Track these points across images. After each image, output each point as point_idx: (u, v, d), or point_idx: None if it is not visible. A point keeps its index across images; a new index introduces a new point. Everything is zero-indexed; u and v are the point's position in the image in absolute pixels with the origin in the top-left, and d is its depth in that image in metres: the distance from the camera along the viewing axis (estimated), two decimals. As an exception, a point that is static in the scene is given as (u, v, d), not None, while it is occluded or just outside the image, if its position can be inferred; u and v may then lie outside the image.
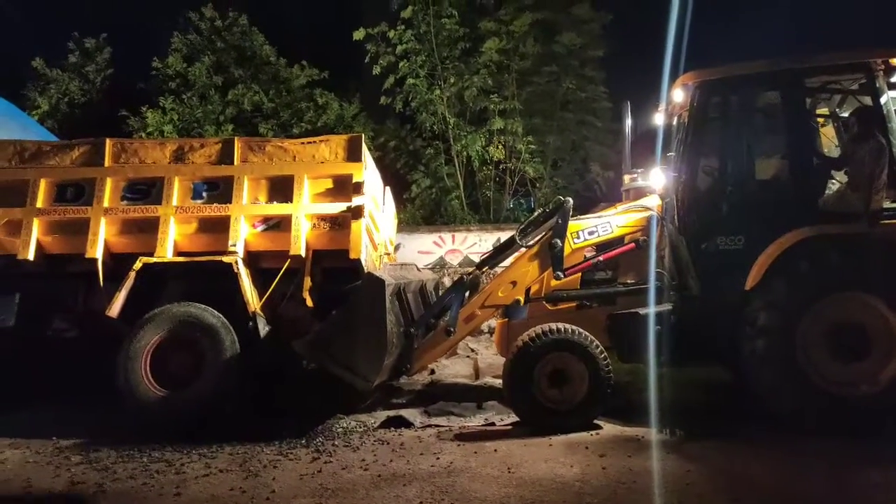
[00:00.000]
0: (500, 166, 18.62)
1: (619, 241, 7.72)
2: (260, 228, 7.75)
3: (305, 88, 19.64)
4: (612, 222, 7.76)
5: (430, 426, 7.26)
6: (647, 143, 9.15)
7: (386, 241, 9.47)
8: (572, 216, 7.70)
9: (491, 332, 11.07)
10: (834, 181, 7.27)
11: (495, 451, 6.24)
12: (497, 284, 7.67)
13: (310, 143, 8.03)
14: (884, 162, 6.67)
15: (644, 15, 15.18)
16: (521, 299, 7.59)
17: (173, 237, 7.65)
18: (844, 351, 6.55)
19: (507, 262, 8.18)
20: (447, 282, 11.74)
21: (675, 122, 8.24)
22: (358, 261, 7.55)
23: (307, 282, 7.62)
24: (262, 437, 6.75)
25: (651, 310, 7.20)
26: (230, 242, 7.56)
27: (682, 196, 7.29)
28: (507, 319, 7.95)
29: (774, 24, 17.85)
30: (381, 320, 6.60)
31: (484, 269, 8.27)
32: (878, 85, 6.82)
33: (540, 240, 7.68)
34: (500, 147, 18.18)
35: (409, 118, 18.87)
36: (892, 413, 6.25)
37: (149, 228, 7.67)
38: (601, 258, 7.73)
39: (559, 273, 7.54)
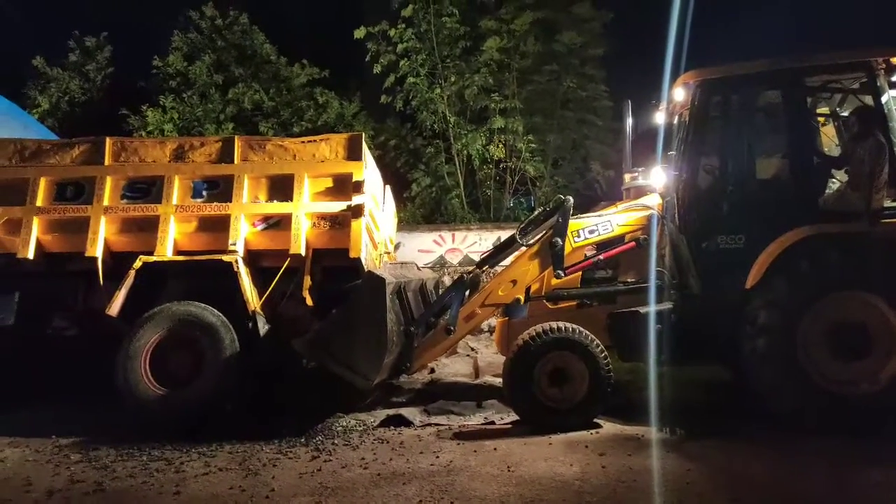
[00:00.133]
0: (501, 165, 18.64)
1: (619, 239, 7.72)
2: (260, 227, 7.74)
3: (306, 87, 19.65)
4: (612, 221, 7.75)
5: (429, 425, 7.25)
6: (647, 142, 9.15)
7: (386, 240, 9.46)
8: (573, 215, 7.69)
9: (491, 330, 11.08)
10: (834, 180, 7.27)
11: (495, 449, 6.23)
12: (497, 283, 7.67)
13: (310, 141, 8.02)
14: (884, 161, 6.66)
15: (645, 14, 15.20)
16: (522, 298, 7.59)
17: (173, 236, 7.65)
18: (845, 350, 6.54)
19: (507, 261, 8.16)
20: (447, 280, 11.73)
21: (675, 120, 8.24)
22: (358, 259, 7.55)
23: (307, 281, 7.62)
24: (261, 436, 6.75)
25: (651, 308, 7.20)
26: (230, 241, 7.55)
27: (683, 195, 7.29)
28: (507, 318, 7.95)
29: (775, 23, 17.85)
30: (382, 319, 6.59)
31: (484, 268, 8.26)
32: (878, 84, 6.81)
33: (540, 238, 7.68)
34: (500, 146, 18.20)
35: (409, 117, 18.88)
36: (893, 412, 6.25)
37: (149, 227, 7.66)
38: (602, 257, 7.73)
39: (559, 272, 7.53)
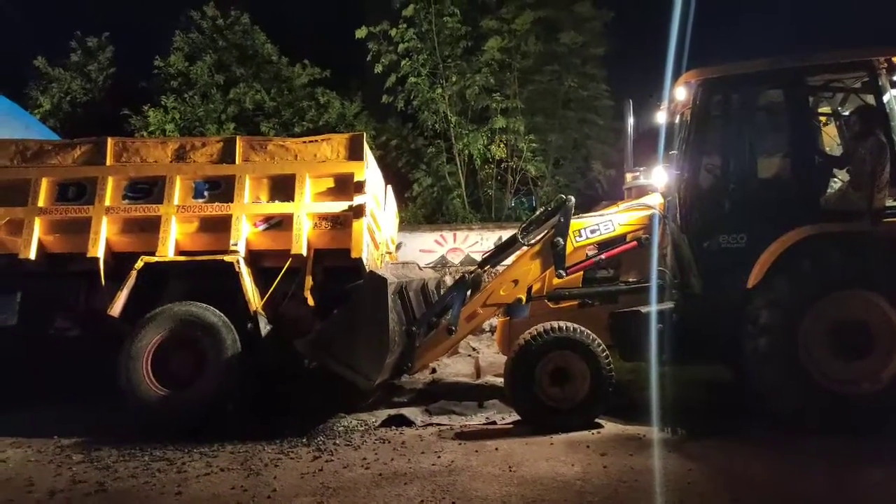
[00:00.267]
0: (502, 165, 18.65)
1: (621, 239, 7.71)
2: (261, 227, 7.74)
3: (307, 87, 19.66)
4: (614, 220, 7.74)
5: (431, 425, 7.25)
6: (649, 142, 9.13)
7: (387, 240, 9.46)
8: (574, 214, 7.68)
9: (492, 330, 11.09)
10: (836, 179, 7.26)
11: (496, 449, 6.23)
12: (499, 283, 7.66)
13: (311, 141, 8.02)
14: (885, 160, 6.65)
15: (646, 13, 15.18)
16: (524, 298, 7.59)
17: (175, 236, 7.65)
18: (846, 349, 6.53)
19: (508, 261, 8.16)
20: (448, 280, 11.74)
21: (677, 120, 8.22)
22: (359, 260, 7.55)
23: (308, 281, 7.62)
24: (263, 436, 6.75)
25: (653, 308, 7.20)
26: (231, 241, 7.56)
27: (685, 194, 7.28)
28: (508, 318, 7.95)
29: (777, 22, 17.85)
30: (384, 319, 6.59)
31: (486, 268, 8.26)
32: (880, 83, 6.80)
33: (542, 238, 7.67)
34: (501, 146, 18.21)
35: (410, 117, 18.91)
36: (894, 411, 6.24)
37: (150, 227, 7.66)
38: (603, 256, 7.72)
39: (561, 271, 7.53)
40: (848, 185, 7.05)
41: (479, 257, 14.62)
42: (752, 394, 6.86)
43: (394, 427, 7.21)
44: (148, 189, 7.85)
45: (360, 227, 7.57)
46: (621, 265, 8.04)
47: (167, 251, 7.57)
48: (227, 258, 7.46)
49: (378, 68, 18.04)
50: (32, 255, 7.60)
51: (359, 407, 7.84)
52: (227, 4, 19.83)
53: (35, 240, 7.62)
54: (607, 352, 6.92)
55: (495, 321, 9.18)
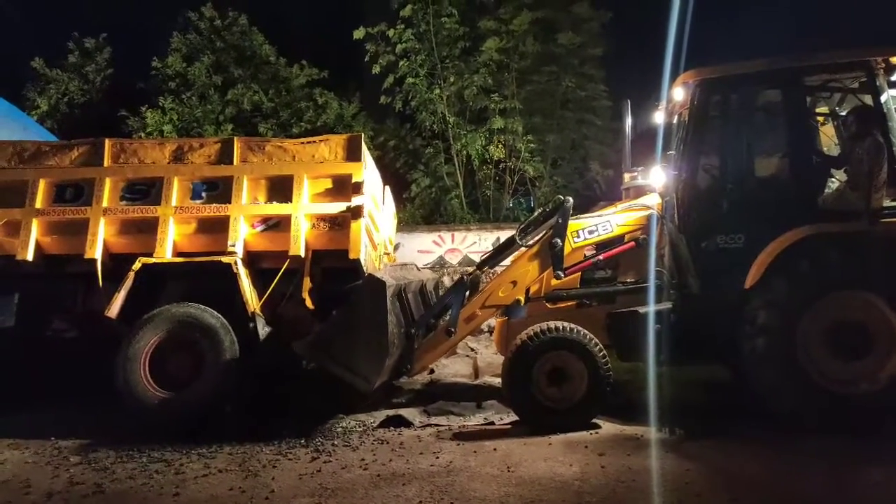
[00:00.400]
0: (500, 165, 18.67)
1: (619, 239, 7.70)
2: (259, 228, 7.73)
3: (305, 88, 19.67)
4: (612, 221, 7.74)
5: (429, 425, 7.25)
6: (647, 142, 9.13)
7: (385, 241, 9.46)
8: (572, 215, 7.68)
9: (490, 331, 11.07)
10: (834, 179, 7.26)
11: (494, 450, 6.23)
12: (497, 284, 7.66)
13: (309, 142, 8.01)
14: (883, 160, 6.65)
15: (644, 13, 15.19)
16: (522, 299, 7.58)
17: (172, 237, 7.64)
18: (845, 349, 6.53)
19: (507, 262, 8.16)
20: (447, 281, 11.74)
21: (675, 120, 8.23)
22: (357, 261, 7.54)
23: (307, 282, 7.61)
24: (261, 437, 6.75)
25: (651, 308, 7.19)
26: (229, 243, 7.55)
27: (682, 194, 7.28)
28: (506, 318, 7.94)
29: (775, 22, 17.85)
30: (383, 322, 6.59)
31: (484, 269, 8.26)
32: (878, 83, 6.81)
33: (540, 239, 7.67)
34: (499, 146, 18.21)
35: (408, 117, 18.91)
36: (893, 411, 6.24)
37: (148, 229, 7.65)
38: (601, 257, 7.71)
39: (559, 272, 7.52)
40: (846, 185, 7.05)
41: (477, 258, 14.60)
42: (750, 394, 6.86)
43: (392, 428, 7.21)
44: (146, 190, 7.84)
45: (358, 228, 7.56)
46: (619, 266, 8.02)
47: (165, 252, 7.56)
48: (224, 259, 7.45)
49: (376, 69, 18.05)
50: (30, 257, 7.59)
51: (357, 408, 7.84)
52: (224, 5, 19.82)
53: (32, 241, 7.61)
54: (604, 352, 6.92)
55: (493, 321, 9.17)
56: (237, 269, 7.40)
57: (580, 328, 6.97)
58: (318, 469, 5.83)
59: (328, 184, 7.83)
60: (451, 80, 17.95)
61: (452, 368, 10.24)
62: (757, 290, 6.71)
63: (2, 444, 6.75)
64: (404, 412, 7.56)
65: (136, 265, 7.42)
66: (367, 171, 7.96)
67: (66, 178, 7.88)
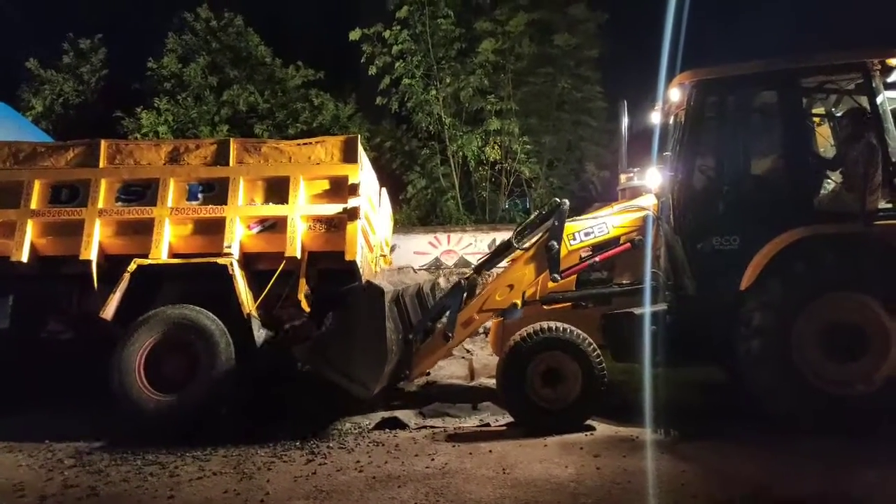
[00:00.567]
0: (496, 167, 18.68)
1: (615, 241, 7.70)
2: (255, 230, 7.71)
3: (301, 89, 19.67)
4: (608, 223, 7.74)
5: (424, 427, 7.25)
6: (643, 143, 9.13)
7: (382, 243, 9.44)
8: (568, 217, 7.68)
9: (486, 332, 11.05)
10: (829, 181, 7.27)
11: (490, 451, 6.23)
12: (494, 288, 7.66)
13: (306, 144, 8.00)
14: (877, 162, 6.67)
15: (640, 14, 15.19)
16: (519, 303, 7.57)
17: (168, 239, 7.62)
18: (840, 351, 6.54)
19: (503, 264, 8.16)
20: (443, 282, 11.73)
21: (671, 121, 8.23)
22: (354, 262, 7.52)
23: (303, 284, 7.59)
24: (256, 440, 6.73)
25: (646, 309, 7.19)
26: (225, 244, 7.52)
27: (678, 196, 7.28)
28: (501, 319, 7.94)
29: (772, 23, 17.88)
30: (381, 329, 6.60)
31: (481, 273, 8.26)
32: (874, 85, 6.82)
33: (536, 242, 7.66)
34: (495, 147, 18.22)
35: (404, 118, 18.94)
36: (888, 412, 6.25)
37: (144, 230, 7.62)
38: (598, 259, 7.70)
39: (556, 276, 7.51)
40: (841, 187, 7.06)
41: (472, 259, 14.65)
42: (745, 395, 6.88)
43: (387, 430, 7.19)
44: (141, 191, 7.81)
45: (354, 229, 7.54)
46: (615, 267, 8.02)
47: (160, 253, 7.53)
48: (220, 261, 7.43)
49: (372, 70, 18.06)
50: (25, 258, 7.55)
51: (352, 410, 7.81)
52: (220, 6, 19.82)
53: (27, 242, 7.58)
54: (599, 352, 6.93)
55: (489, 322, 9.16)
56: (233, 270, 7.38)
57: (574, 328, 6.97)
58: (314, 471, 5.82)
59: (325, 185, 7.82)
60: (448, 81, 17.96)
61: (448, 370, 10.23)
62: (752, 291, 6.72)
63: (-4, 447, 6.74)
64: (400, 414, 7.55)
65: (132, 266, 7.38)
66: (364, 173, 7.95)
67: (62, 179, 7.85)
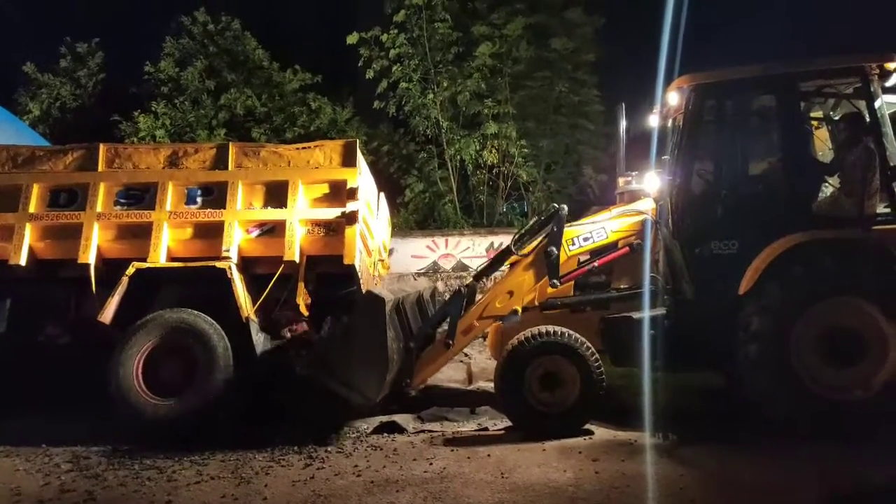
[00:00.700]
0: (494, 170, 18.66)
1: (613, 245, 7.69)
2: (254, 234, 7.70)
3: (298, 93, 19.66)
4: (606, 227, 7.72)
5: (423, 431, 7.25)
6: (641, 146, 9.14)
7: (380, 247, 9.43)
8: (566, 222, 7.67)
9: (485, 336, 11.05)
10: (828, 185, 7.27)
11: (488, 456, 6.23)
12: (494, 295, 7.65)
13: (304, 148, 8.00)
14: (875, 167, 6.68)
15: (637, 18, 15.19)
16: (519, 309, 7.55)
17: (167, 242, 7.60)
18: (838, 356, 6.54)
19: (503, 269, 8.17)
20: (441, 286, 11.72)
21: (669, 125, 8.23)
22: (352, 266, 7.51)
23: (301, 287, 7.58)
24: (254, 444, 6.72)
25: (645, 314, 7.19)
26: (224, 248, 7.51)
27: (677, 199, 7.29)
28: (500, 322, 7.93)
29: (770, 27, 17.89)
30: (382, 339, 6.59)
31: (481, 280, 8.26)
32: (872, 89, 6.84)
33: (535, 248, 7.66)
34: (493, 151, 18.20)
35: (402, 122, 18.93)
36: (886, 418, 6.25)
37: (142, 234, 7.61)
38: (596, 263, 7.69)
39: (555, 281, 7.49)
40: (839, 192, 7.07)
41: (470, 263, 14.64)
42: (743, 400, 6.87)
43: (385, 434, 7.20)
44: (140, 195, 7.80)
45: (352, 233, 7.54)
46: (613, 271, 8.03)
47: (159, 257, 7.52)
48: (219, 264, 7.41)
49: (369, 74, 18.05)
50: (23, 261, 7.53)
51: (351, 414, 7.80)
52: (217, 10, 19.82)
53: (25, 246, 7.56)
54: (597, 356, 6.92)
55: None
56: (231, 274, 7.37)
57: (572, 332, 6.97)
58: (312, 476, 5.82)
59: (323, 189, 7.82)
60: (445, 84, 17.95)
61: (446, 374, 10.18)
62: (751, 296, 6.72)
63: (-7, 451, 6.72)
64: (398, 418, 7.54)
65: (130, 270, 7.37)
66: (362, 177, 7.94)
67: (61, 183, 7.84)
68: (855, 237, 6.61)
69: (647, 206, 7.85)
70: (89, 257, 7.50)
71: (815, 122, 7.86)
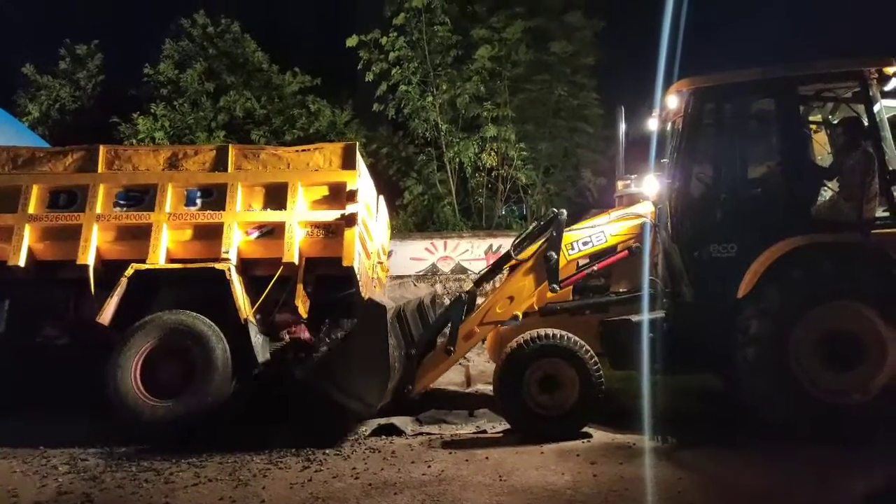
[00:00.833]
0: (493, 173, 18.68)
1: (612, 249, 7.69)
2: (253, 236, 7.70)
3: (298, 95, 19.68)
4: (605, 231, 7.73)
5: (421, 434, 7.24)
6: (640, 149, 9.14)
7: (379, 250, 9.43)
8: (565, 226, 7.67)
9: (484, 339, 11.06)
10: (827, 189, 7.28)
11: (487, 458, 6.22)
12: (494, 300, 7.65)
13: (304, 150, 8.01)
14: (873, 171, 6.69)
15: (636, 22, 15.20)
16: (520, 315, 7.56)
17: (166, 244, 7.60)
18: (836, 359, 6.54)
19: (502, 273, 8.17)
20: (439, 290, 11.72)
21: (668, 128, 8.24)
22: (351, 268, 7.51)
23: (300, 289, 7.58)
24: (252, 446, 6.71)
25: (644, 317, 7.19)
26: (223, 249, 7.51)
27: (676, 203, 7.30)
28: (499, 325, 7.93)
29: (770, 27, 17.90)
30: (384, 347, 6.57)
31: (481, 286, 8.26)
32: (871, 93, 6.85)
33: (535, 253, 7.66)
34: (492, 154, 18.23)
35: (401, 125, 18.94)
36: (884, 421, 6.25)
37: (141, 235, 7.61)
38: (595, 267, 7.69)
39: (555, 286, 7.50)
40: (838, 196, 7.07)
41: (469, 265, 14.62)
42: (742, 403, 6.87)
43: (384, 436, 7.18)
44: (139, 197, 7.80)
45: (351, 235, 7.54)
46: (612, 274, 8.02)
47: (158, 259, 7.52)
48: (218, 266, 7.41)
49: (369, 76, 18.08)
50: (22, 263, 7.53)
51: (349, 416, 7.79)
52: (217, 12, 19.83)
53: (25, 247, 7.55)
54: (596, 359, 6.92)
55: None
56: (230, 275, 7.37)
57: (571, 335, 6.96)
58: (309, 478, 5.80)
59: (323, 191, 7.82)
60: (444, 87, 17.97)
61: (445, 377, 10.09)
62: (749, 299, 6.73)
63: (-10, 453, 6.70)
64: (396, 420, 7.53)
65: (129, 271, 7.37)
66: (362, 180, 7.95)
67: (60, 185, 7.84)
68: (854, 241, 6.61)
69: (646, 209, 7.86)
70: (88, 258, 7.51)
71: (814, 126, 7.88)
